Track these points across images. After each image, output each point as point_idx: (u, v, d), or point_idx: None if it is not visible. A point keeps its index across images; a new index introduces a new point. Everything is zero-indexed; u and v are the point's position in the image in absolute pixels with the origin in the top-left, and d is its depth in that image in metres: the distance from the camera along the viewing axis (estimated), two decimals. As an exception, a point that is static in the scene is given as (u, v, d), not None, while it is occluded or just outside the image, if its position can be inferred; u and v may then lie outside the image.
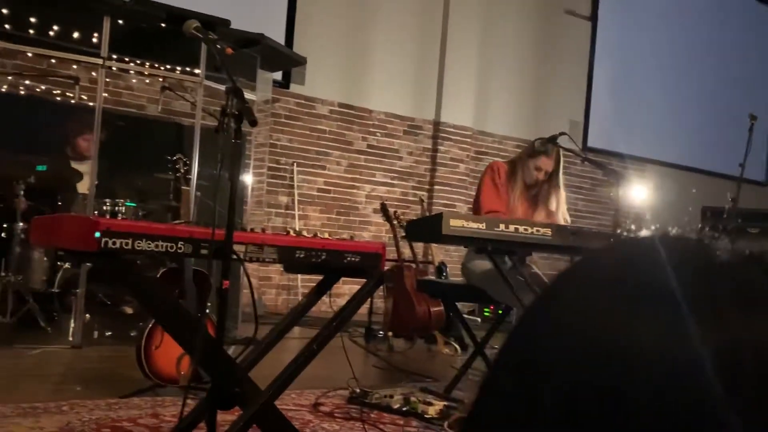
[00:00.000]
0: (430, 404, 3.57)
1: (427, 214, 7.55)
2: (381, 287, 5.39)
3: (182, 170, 4.31)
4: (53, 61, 5.83)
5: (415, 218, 3.69)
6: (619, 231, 3.94)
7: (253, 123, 2.17)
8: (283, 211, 7.92)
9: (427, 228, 3.45)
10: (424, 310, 5.78)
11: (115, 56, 5.43)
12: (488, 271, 3.82)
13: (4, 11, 4.98)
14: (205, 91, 5.55)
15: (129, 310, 5.41)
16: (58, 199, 5.39)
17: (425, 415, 3.48)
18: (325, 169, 8.28)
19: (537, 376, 0.49)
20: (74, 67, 5.93)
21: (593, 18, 10.62)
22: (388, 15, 8.62)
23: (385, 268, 2.71)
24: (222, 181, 2.12)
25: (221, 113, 2.19)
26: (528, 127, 9.56)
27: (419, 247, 7.58)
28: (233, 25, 5.56)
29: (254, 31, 5.82)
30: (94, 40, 5.36)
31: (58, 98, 6.17)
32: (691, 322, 0.46)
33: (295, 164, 8.00)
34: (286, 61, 6.93)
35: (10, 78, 5.97)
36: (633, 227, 4.14)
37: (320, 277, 2.75)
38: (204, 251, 2.15)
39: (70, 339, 4.92)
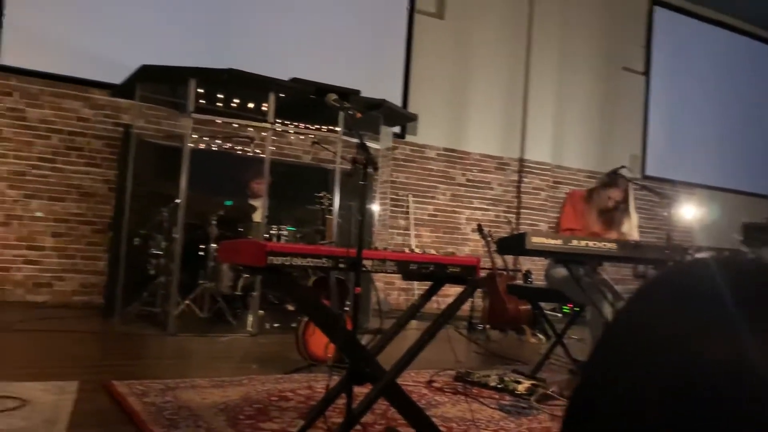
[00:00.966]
0: (519, 383, 3.49)
1: (515, 233, 7.40)
2: (478, 290, 5.32)
3: (327, 203, 4.42)
4: (235, 125, 6.13)
5: (504, 236, 3.64)
6: (672, 244, 3.73)
7: (376, 169, 2.22)
8: (402, 231, 7.97)
9: (514, 244, 3.40)
10: (514, 308, 5.66)
11: (278, 120, 5.65)
12: (565, 277, 3.71)
13: (200, 91, 5.27)
14: (343, 144, 5.69)
15: (291, 307, 5.56)
16: (240, 227, 5.61)
17: (516, 392, 3.40)
18: (433, 198, 8.29)
19: (624, 370, 0.47)
20: (250, 129, 6.21)
21: (646, 72, 10.17)
22: (481, 76, 8.57)
23: (480, 276, 2.68)
24: (355, 212, 2.17)
25: (353, 162, 2.25)
26: (596, 160, 9.23)
27: (509, 258, 7.44)
28: (363, 93, 5.68)
29: (378, 97, 5.92)
30: (263, 108, 5.60)
31: (239, 153, 6.45)
32: (748, 338, 0.41)
33: (410, 195, 8.05)
34: (402, 118, 7.01)
35: (206, 139, 6.30)
36: (683, 241, 3.93)
37: (430, 283, 2.76)
38: (341, 265, 2.20)
39: (249, 329, 5.08)
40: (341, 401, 2.40)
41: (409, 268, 2.35)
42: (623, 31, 9.87)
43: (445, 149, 8.39)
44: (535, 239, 3.25)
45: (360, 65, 7.48)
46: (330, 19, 7.44)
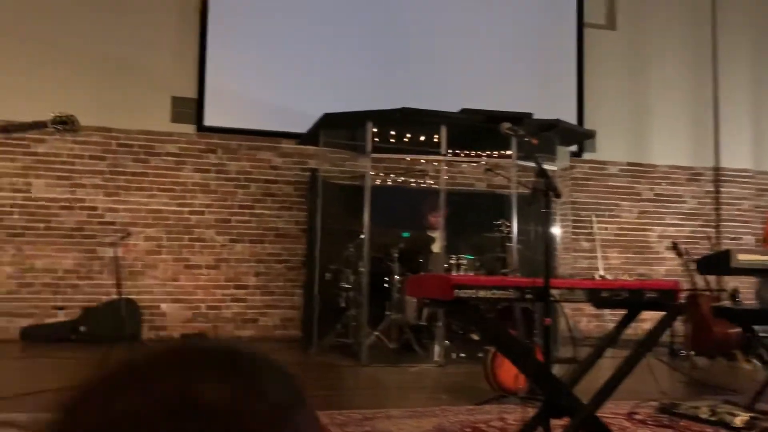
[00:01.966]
0: (736, 415, 3.16)
1: (716, 249, 6.76)
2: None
3: (505, 230, 4.41)
4: (408, 159, 6.37)
5: (705, 254, 3.35)
6: None
7: (558, 196, 2.19)
8: (586, 254, 7.64)
9: (717, 262, 3.13)
10: (721, 331, 5.15)
11: (450, 150, 5.76)
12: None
13: (374, 130, 5.55)
14: (517, 168, 5.63)
15: (476, 337, 5.55)
16: (420, 258, 5.76)
17: (733, 425, 3.09)
18: (617, 216, 7.86)
19: None
20: (422, 161, 6.41)
21: None
22: (662, 84, 8.04)
23: (681, 300, 2.50)
24: (537, 239, 2.16)
25: (533, 190, 2.25)
26: (809, 161, 8.18)
27: (712, 276, 6.79)
28: (535, 115, 5.61)
29: (552, 117, 5.81)
30: (435, 140, 5.75)
31: (415, 185, 6.67)
32: None
33: (593, 215, 7.71)
34: (579, 136, 6.79)
35: (381, 175, 6.61)
36: None
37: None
38: (528, 296, 2.18)
39: (436, 359, 5.13)
40: (538, 434, 2.35)
41: (600, 296, 2.27)
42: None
43: (629, 164, 7.95)
44: (742, 257, 2.96)
45: (529, 86, 7.40)
46: (494, 45, 7.48)
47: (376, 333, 5.41)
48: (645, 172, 7.97)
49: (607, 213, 7.81)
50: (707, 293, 5.54)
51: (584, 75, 7.79)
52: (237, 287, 6.75)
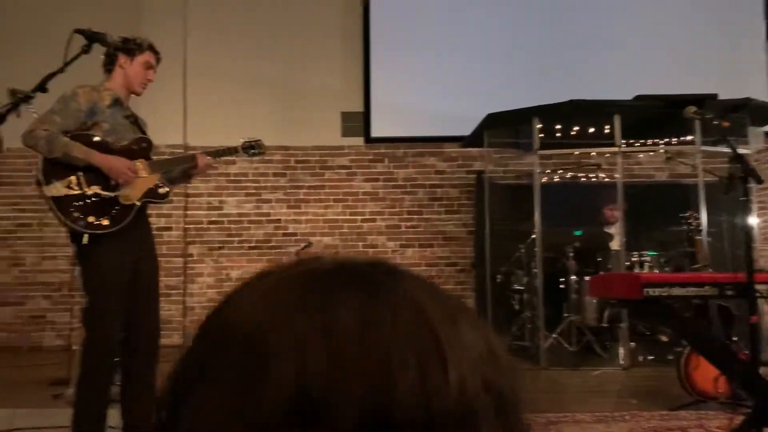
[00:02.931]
0: None
1: None
2: None
3: (694, 223, 4.09)
4: (576, 153, 6.14)
5: None
6: None
7: (760, 181, 2.00)
8: (791, 244, 6.82)
9: None
10: None
11: (623, 141, 5.46)
12: None
13: (539, 125, 5.41)
14: (702, 155, 5.21)
15: (664, 338, 5.21)
16: (597, 257, 5.53)
17: None
18: (830, 201, 6.93)
19: None
20: (592, 154, 6.15)
21: None
22: None
23: None
24: (729, 231, 1.99)
25: (729, 177, 2.07)
26: None
27: None
28: (720, 97, 5.15)
29: (739, 97, 5.29)
30: (605, 131, 5.50)
31: (585, 180, 6.40)
32: None
33: (797, 201, 6.86)
34: (773, 113, 6.10)
35: (548, 172, 6.43)
36: None
37: None
38: (728, 292, 2.02)
39: (621, 362, 4.91)
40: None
41: (817, 291, 2.04)
42: None
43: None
44: None
45: (710, 65, 6.80)
46: (667, 23, 6.97)
47: (555, 335, 5.28)
48: None
49: (814, 197, 6.91)
50: None
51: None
52: (410, 291, 6.92)
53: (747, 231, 2.00)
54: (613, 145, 5.30)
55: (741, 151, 2.59)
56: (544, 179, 6.18)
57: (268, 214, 6.98)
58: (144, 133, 2.95)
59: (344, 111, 7.06)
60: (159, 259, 2.91)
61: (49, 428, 2.91)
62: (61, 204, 2.62)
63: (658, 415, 3.31)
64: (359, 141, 7.06)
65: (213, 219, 6.96)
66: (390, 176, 7.06)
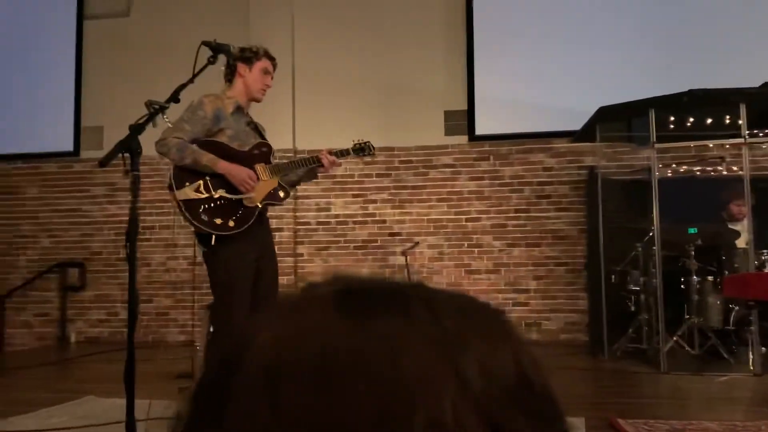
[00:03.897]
0: None
1: None
2: None
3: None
4: (692, 146, 5.83)
5: None
6: None
7: None
8: None
9: None
10: None
11: (746, 132, 5.11)
12: None
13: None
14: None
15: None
16: (722, 255, 5.22)
17: None
18: None
19: None
20: (710, 146, 5.81)
21: None
22: None
23: None
24: None
25: None
26: None
27: None
28: None
29: None
30: (726, 122, 5.18)
31: (704, 174, 6.05)
32: None
33: None
34: None
35: (660, 166, 6.13)
36: None
37: None
38: None
39: (751, 368, 4.61)
40: None
41: None
42: None
43: None
44: None
45: None
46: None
47: (675, 338, 5.03)
48: None
49: None
50: None
51: None
52: (517, 291, 6.83)
53: None
54: (737, 136, 4.98)
55: None
56: (668, 173, 5.90)
57: (374, 215, 7.09)
58: (264, 138, 3.07)
59: (447, 110, 7.06)
60: (274, 258, 3.05)
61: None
62: (191, 207, 2.79)
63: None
64: (463, 139, 7.03)
65: (321, 220, 7.16)
66: (495, 174, 6.98)
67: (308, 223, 7.17)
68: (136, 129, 2.33)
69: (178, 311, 7.18)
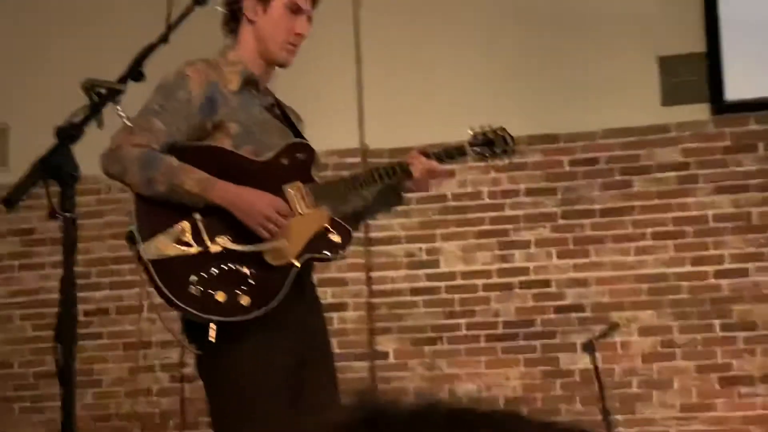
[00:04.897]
0: None
1: None
2: None
3: None
4: None
5: None
6: None
7: None
8: None
9: None
10: None
11: None
12: None
13: None
14: None
15: None
16: None
17: None
18: None
19: None
20: None
21: None
22: None
23: None
24: None
25: None
26: None
27: None
28: None
29: None
30: None
31: None
32: None
33: None
34: None
35: None
36: None
37: None
38: None
39: None
40: None
41: None
42: None
43: None
44: None
45: None
46: None
47: None
48: None
49: None
50: None
51: None
52: None
53: None
54: None
55: None
56: None
57: (524, 271, 3.94)
58: (299, 134, 1.95)
59: (663, 54, 3.93)
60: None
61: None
62: (169, 273, 1.72)
63: None
64: (701, 112, 3.84)
65: (419, 285, 4.02)
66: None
67: (396, 292, 4.04)
68: (70, 133, 1.38)
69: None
